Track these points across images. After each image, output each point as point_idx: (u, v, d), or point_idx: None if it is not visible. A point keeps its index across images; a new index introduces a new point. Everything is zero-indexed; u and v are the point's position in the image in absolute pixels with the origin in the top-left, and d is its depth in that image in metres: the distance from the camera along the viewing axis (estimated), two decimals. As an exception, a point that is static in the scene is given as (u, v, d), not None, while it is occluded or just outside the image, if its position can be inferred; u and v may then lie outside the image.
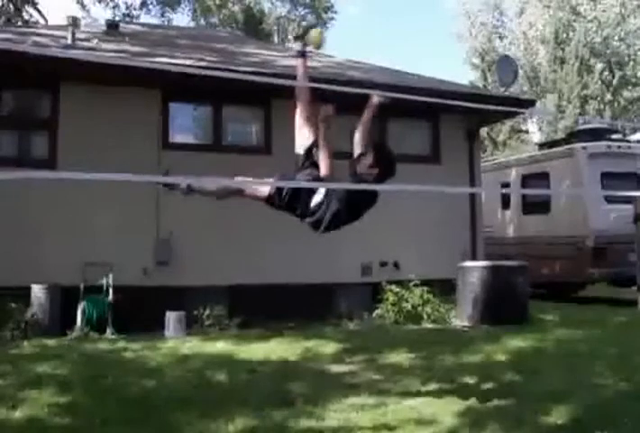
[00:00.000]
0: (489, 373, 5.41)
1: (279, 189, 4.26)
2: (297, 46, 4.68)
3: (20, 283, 7.45)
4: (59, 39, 9.35)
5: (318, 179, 4.16)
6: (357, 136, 4.31)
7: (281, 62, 10.33)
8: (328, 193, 4.14)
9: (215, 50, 11.18)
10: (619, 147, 12.01)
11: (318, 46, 4.81)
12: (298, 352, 6.49)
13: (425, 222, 9.70)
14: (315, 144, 4.32)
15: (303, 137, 4.43)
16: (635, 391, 4.81)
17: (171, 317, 7.72)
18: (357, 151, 4.29)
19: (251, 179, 4.50)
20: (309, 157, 4.36)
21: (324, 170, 4.09)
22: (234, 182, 4.55)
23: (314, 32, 4.75)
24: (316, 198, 4.20)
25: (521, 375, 5.36)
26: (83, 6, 21.62)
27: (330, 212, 4.13)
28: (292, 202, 4.27)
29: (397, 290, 8.70)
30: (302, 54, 4.61)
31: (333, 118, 4.11)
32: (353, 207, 4.18)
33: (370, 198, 4.20)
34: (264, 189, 4.35)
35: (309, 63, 4.81)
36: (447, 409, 4.31)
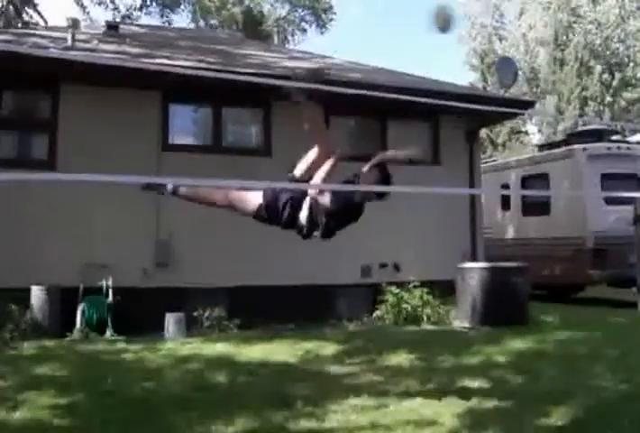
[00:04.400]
0: (489, 375, 5.41)
1: (267, 207, 4.26)
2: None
3: (19, 285, 7.44)
4: (59, 40, 9.35)
5: (304, 194, 4.16)
6: (375, 159, 4.22)
7: (281, 64, 10.35)
8: (311, 209, 4.13)
9: (215, 51, 11.18)
10: (619, 148, 12.01)
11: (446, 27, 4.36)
12: (298, 353, 6.49)
13: (424, 223, 9.70)
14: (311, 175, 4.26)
15: (307, 167, 4.32)
16: (635, 392, 4.81)
17: (171, 319, 7.71)
18: (365, 168, 4.22)
19: (241, 192, 4.44)
20: (302, 182, 4.31)
21: (312, 189, 4.09)
22: (221, 192, 4.48)
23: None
24: (302, 215, 4.19)
25: (521, 377, 5.36)
26: (83, 8, 21.59)
27: (319, 226, 4.15)
28: (278, 218, 4.28)
29: (397, 291, 8.70)
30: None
31: (343, 159, 4.09)
32: (338, 221, 4.18)
33: (357, 212, 4.22)
34: (252, 205, 4.34)
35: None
36: (447, 411, 4.31)
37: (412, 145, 4.21)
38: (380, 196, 4.17)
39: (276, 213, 4.24)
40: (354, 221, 4.27)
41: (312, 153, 4.25)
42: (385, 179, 4.15)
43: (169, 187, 4.35)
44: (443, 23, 4.42)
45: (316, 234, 4.20)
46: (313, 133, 4.18)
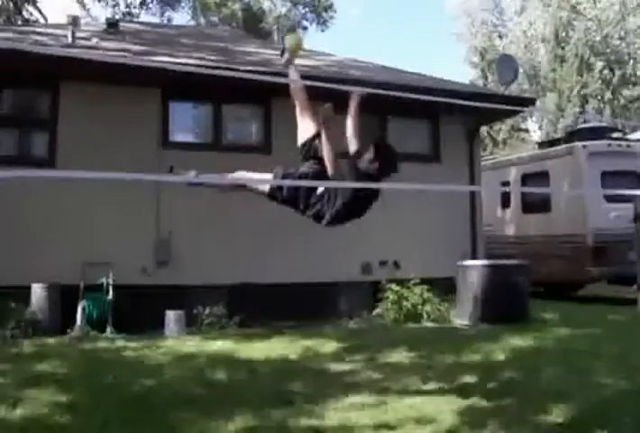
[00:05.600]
0: (489, 372, 5.41)
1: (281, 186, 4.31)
2: (282, 59, 4.85)
3: (20, 282, 7.45)
4: (60, 38, 9.35)
5: (320, 172, 4.20)
6: (349, 132, 4.38)
7: (281, 61, 10.33)
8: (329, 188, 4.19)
9: (215, 48, 11.17)
10: (619, 146, 12.00)
11: (297, 48, 4.91)
12: (298, 351, 6.49)
13: (425, 221, 9.69)
14: (315, 137, 4.35)
15: (304, 130, 4.49)
16: (635, 389, 4.81)
17: (171, 317, 7.72)
18: (352, 146, 4.36)
19: (252, 173, 4.54)
20: (311, 150, 4.40)
21: (329, 168, 4.12)
22: (238, 178, 4.61)
23: (289, 39, 4.90)
24: (318, 191, 4.23)
25: (521, 374, 5.36)
26: (83, 5, 21.61)
27: (333, 206, 4.16)
28: (293, 196, 4.30)
29: (398, 288, 8.70)
30: (287, 65, 4.78)
31: (333, 118, 4.12)
32: (356, 201, 4.19)
33: (372, 192, 4.23)
34: (265, 184, 4.40)
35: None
36: (447, 408, 4.31)
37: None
38: (388, 168, 4.22)
39: (290, 191, 4.28)
40: (369, 203, 4.29)
41: (299, 115, 4.50)
42: (386, 149, 4.24)
43: (192, 174, 4.51)
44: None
45: (328, 214, 4.22)
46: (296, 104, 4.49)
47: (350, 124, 4.38)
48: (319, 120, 4.18)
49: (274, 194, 4.37)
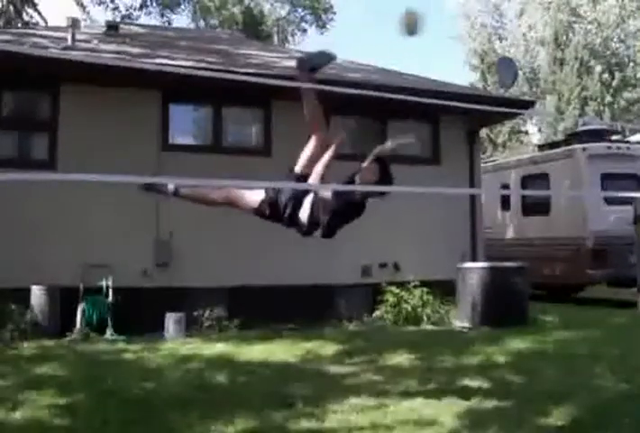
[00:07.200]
0: (489, 375, 5.41)
1: (268, 203, 4.23)
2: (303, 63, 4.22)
3: (20, 285, 7.44)
4: (59, 40, 9.36)
5: (306, 192, 4.13)
6: (373, 153, 4.16)
7: (281, 63, 10.34)
8: (313, 207, 4.10)
9: (215, 51, 11.18)
10: (619, 148, 12.01)
11: (413, 29, 4.30)
12: (298, 353, 6.49)
13: (424, 223, 9.69)
14: (308, 175, 4.20)
15: (307, 160, 4.28)
16: (635, 392, 4.81)
17: (171, 319, 7.71)
18: (364, 163, 4.19)
19: (240, 192, 4.41)
20: (303, 177, 4.26)
21: (312, 179, 4.03)
22: (221, 189, 4.45)
23: (412, 15, 4.26)
24: (302, 213, 4.14)
25: (521, 376, 5.36)
26: (83, 8, 21.59)
27: (320, 225, 4.10)
28: (279, 216, 4.24)
29: (397, 291, 8.71)
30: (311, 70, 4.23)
31: (343, 142, 4.06)
32: (341, 218, 4.13)
33: (359, 209, 4.17)
34: (253, 201, 4.31)
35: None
36: (447, 411, 4.31)
37: (408, 133, 4.13)
38: (381, 193, 4.13)
39: (277, 209, 4.21)
40: (357, 217, 4.21)
41: (310, 145, 4.22)
42: (385, 172, 4.10)
43: (171, 187, 4.35)
44: (411, 27, 4.36)
45: (317, 233, 4.16)
46: (310, 122, 4.13)
47: (379, 151, 4.11)
48: (331, 143, 4.05)
49: (261, 212, 4.28)
